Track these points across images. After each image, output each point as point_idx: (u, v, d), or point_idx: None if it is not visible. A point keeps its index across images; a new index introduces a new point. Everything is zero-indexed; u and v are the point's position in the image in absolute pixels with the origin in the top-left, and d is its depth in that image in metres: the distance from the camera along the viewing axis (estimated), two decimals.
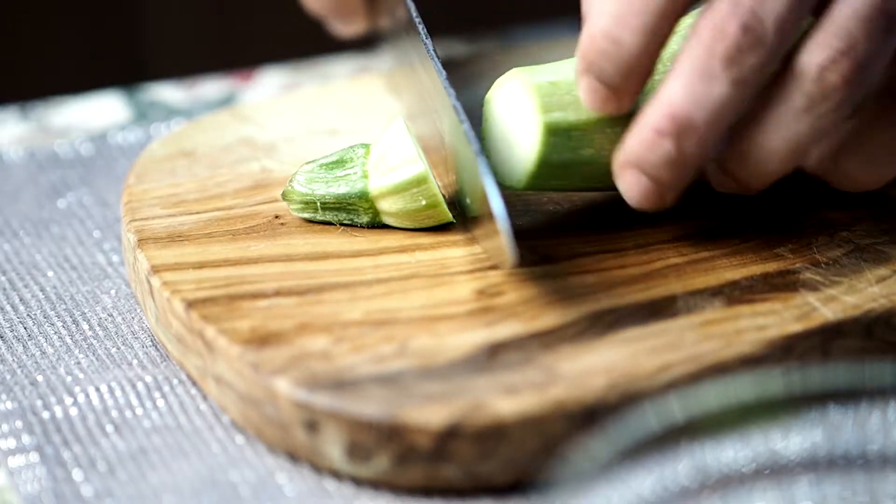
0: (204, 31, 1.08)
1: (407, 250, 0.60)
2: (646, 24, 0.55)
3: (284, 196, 0.62)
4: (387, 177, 0.61)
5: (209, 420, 0.57)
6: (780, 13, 0.55)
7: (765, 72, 0.55)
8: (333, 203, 0.61)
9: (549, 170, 0.59)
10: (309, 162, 0.62)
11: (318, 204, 0.61)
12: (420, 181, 0.60)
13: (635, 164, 0.56)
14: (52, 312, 0.62)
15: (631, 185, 0.57)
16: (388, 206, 0.61)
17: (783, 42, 0.55)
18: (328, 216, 0.61)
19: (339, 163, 0.62)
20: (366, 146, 0.62)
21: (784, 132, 0.56)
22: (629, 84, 0.57)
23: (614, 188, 0.58)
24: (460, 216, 0.61)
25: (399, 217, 0.61)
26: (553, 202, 0.63)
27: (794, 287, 0.58)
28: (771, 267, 0.59)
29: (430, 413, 0.52)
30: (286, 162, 0.66)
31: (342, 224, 0.62)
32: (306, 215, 0.62)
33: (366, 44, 0.78)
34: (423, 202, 0.61)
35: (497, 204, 0.55)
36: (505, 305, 0.57)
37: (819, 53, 0.55)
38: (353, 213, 0.61)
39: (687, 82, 0.55)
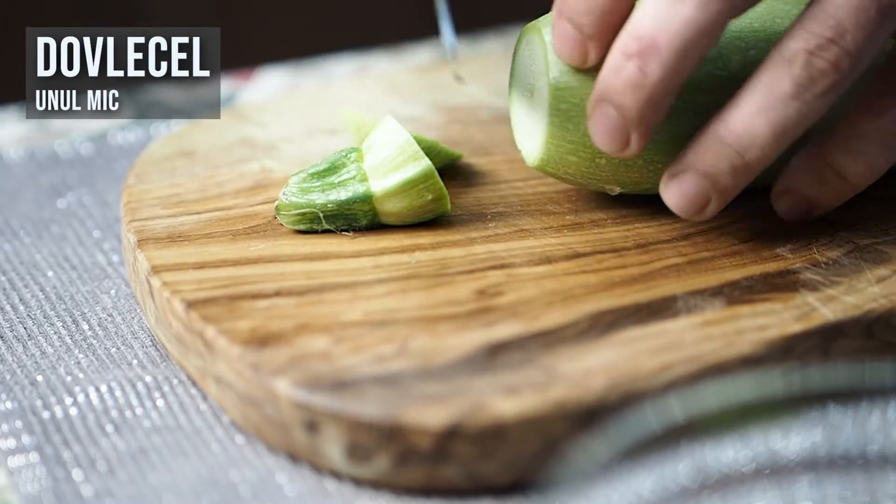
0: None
1: (407, 250, 0.60)
2: None
3: (279, 210, 0.61)
4: (391, 176, 0.61)
5: (209, 420, 0.57)
6: None
7: (729, 2, 0.55)
8: (333, 210, 0.61)
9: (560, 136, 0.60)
10: (296, 173, 0.62)
11: (320, 214, 0.61)
12: (428, 177, 0.60)
13: (602, 95, 0.57)
14: (52, 312, 0.62)
15: (598, 121, 0.57)
16: (392, 206, 0.61)
17: None
18: (327, 224, 0.61)
19: (331, 169, 0.62)
20: (356, 150, 0.62)
21: (771, 116, 0.56)
22: (599, 29, 0.57)
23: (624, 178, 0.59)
24: None
25: (401, 216, 0.61)
26: (553, 202, 0.63)
27: (794, 287, 0.58)
28: (771, 267, 0.59)
29: (430, 413, 0.52)
30: (286, 162, 0.66)
31: (340, 230, 0.61)
32: (302, 227, 0.61)
33: None
34: (429, 196, 0.61)
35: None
36: (505, 305, 0.57)
37: (808, 39, 0.56)
38: (352, 219, 0.61)
39: (655, 5, 0.56)
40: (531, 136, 0.61)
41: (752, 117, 0.56)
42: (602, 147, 0.57)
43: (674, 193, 0.58)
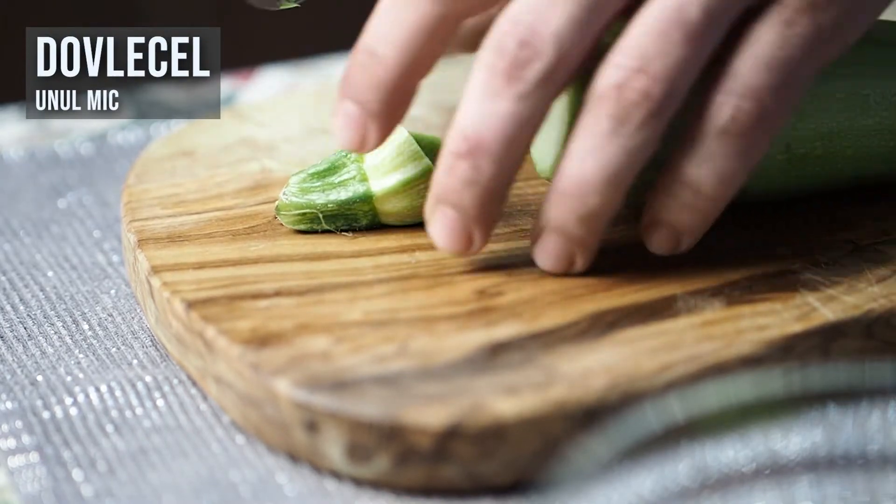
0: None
1: (407, 250, 0.60)
2: (402, 39, 0.56)
3: (279, 210, 0.61)
4: (391, 176, 0.61)
5: (209, 420, 0.57)
6: (559, 26, 0.55)
7: (550, 85, 0.55)
8: (334, 210, 0.61)
9: None
10: (296, 173, 0.62)
11: (320, 214, 0.61)
12: (428, 176, 0.60)
13: (440, 196, 0.56)
14: (52, 312, 0.62)
15: (438, 223, 0.57)
16: (392, 206, 0.61)
17: (563, 55, 0.55)
18: (326, 224, 0.61)
19: (331, 170, 0.62)
20: None
21: (598, 157, 0.55)
22: (384, 108, 0.57)
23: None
24: None
25: (401, 216, 0.61)
26: None
27: (795, 287, 0.58)
28: (771, 267, 0.59)
29: (430, 413, 0.52)
30: (286, 162, 0.66)
31: (340, 231, 0.61)
32: (302, 227, 0.61)
33: None
34: None
35: None
36: (505, 305, 0.57)
37: (615, 74, 0.55)
38: (352, 219, 0.61)
39: (474, 102, 0.55)
40: (544, 144, 0.61)
41: (582, 163, 0.55)
42: (445, 248, 0.57)
43: (540, 257, 0.58)
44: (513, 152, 0.56)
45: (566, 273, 0.58)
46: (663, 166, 0.57)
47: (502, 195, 0.57)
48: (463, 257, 0.59)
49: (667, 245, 0.58)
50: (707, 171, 0.56)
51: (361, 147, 0.58)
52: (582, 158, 0.55)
